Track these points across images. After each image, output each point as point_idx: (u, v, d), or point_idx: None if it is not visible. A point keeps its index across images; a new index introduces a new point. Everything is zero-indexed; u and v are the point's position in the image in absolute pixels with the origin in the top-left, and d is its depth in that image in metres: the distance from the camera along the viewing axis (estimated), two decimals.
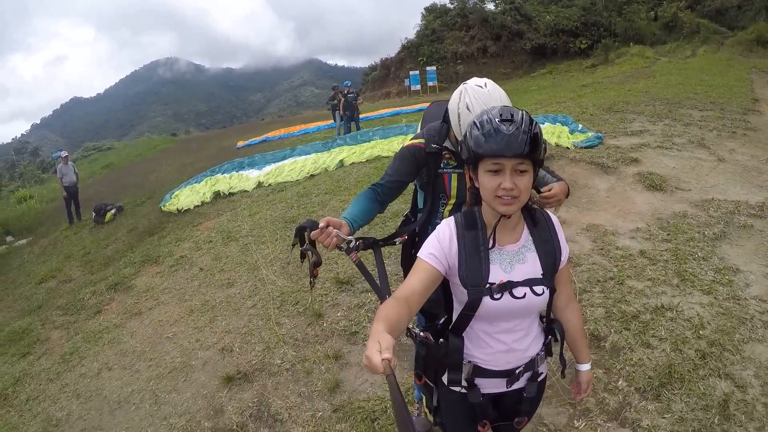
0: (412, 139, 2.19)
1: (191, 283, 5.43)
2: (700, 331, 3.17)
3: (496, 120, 1.32)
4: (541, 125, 8.84)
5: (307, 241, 1.92)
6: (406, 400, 2.91)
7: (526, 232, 1.49)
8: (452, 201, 2.10)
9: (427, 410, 2.37)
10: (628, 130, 8.23)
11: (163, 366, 4.01)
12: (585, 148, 7.40)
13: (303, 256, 1.97)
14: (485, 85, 1.81)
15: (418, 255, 1.46)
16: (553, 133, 8.22)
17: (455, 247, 1.43)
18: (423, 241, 1.70)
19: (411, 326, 1.64)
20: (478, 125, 1.35)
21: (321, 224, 1.81)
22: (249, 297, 4.73)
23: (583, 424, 2.62)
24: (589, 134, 8.05)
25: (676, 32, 25.77)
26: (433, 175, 2.09)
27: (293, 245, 2.00)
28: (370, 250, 2.02)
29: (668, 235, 4.56)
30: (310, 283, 2.00)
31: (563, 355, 1.69)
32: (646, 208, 5.27)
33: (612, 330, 3.27)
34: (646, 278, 3.84)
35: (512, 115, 1.33)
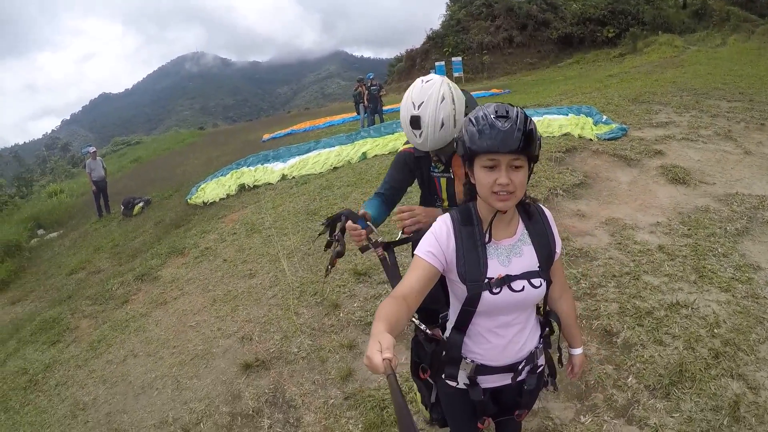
0: (405, 143, 2.22)
1: (215, 274, 5.60)
2: (715, 330, 3.13)
3: (491, 116, 1.34)
4: (565, 116, 8.80)
5: (338, 230, 1.97)
6: (409, 397, 2.97)
7: (521, 225, 1.52)
8: (445, 204, 2.14)
9: (423, 406, 2.45)
10: (653, 122, 8.04)
11: (185, 353, 4.18)
12: (608, 140, 7.27)
13: (329, 245, 2.02)
14: (428, 80, 1.88)
15: (415, 253, 1.48)
16: (576, 124, 8.10)
17: (453, 244, 1.45)
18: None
19: (418, 323, 1.72)
20: (474, 121, 1.37)
21: (361, 211, 1.90)
22: (270, 287, 4.87)
23: (590, 419, 2.64)
24: (614, 126, 7.89)
25: (705, 20, 24.77)
26: (426, 178, 2.14)
27: (321, 233, 2.06)
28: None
29: (689, 230, 4.49)
30: (327, 270, 2.08)
31: (560, 345, 1.75)
32: (667, 202, 5.19)
33: (625, 326, 3.26)
34: (663, 274, 3.80)
35: (507, 112, 1.35)
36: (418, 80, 1.93)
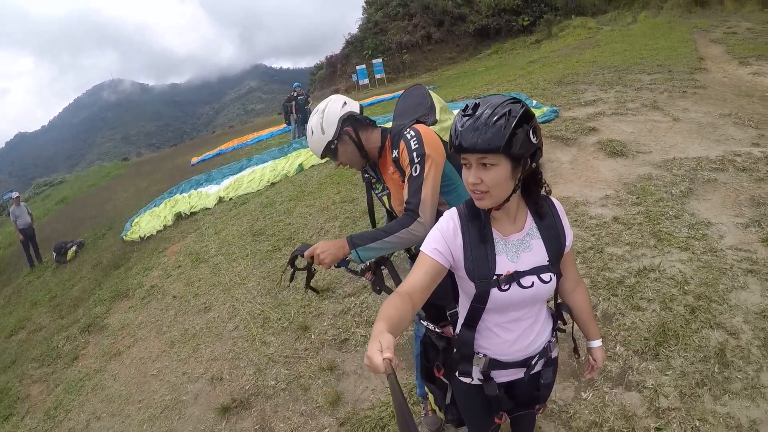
0: None
1: (167, 314, 5.22)
2: (685, 287, 3.24)
3: (461, 115, 1.29)
4: None
5: (304, 263, 1.94)
6: (413, 400, 2.86)
7: (529, 219, 1.46)
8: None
9: (437, 407, 2.38)
10: (581, 101, 8.37)
11: (153, 406, 3.83)
12: (542, 123, 7.48)
13: (292, 278, 2.02)
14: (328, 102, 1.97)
15: (421, 249, 1.42)
16: None
17: (460, 240, 1.40)
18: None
19: (426, 324, 1.71)
20: (455, 120, 1.32)
21: (312, 247, 1.84)
22: (229, 319, 4.58)
23: (591, 394, 2.64)
24: (545, 109, 8.15)
25: (615, 0, 26.36)
26: (376, 200, 2.12)
27: (284, 271, 1.99)
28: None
29: (637, 198, 4.66)
30: (292, 276, 2.05)
31: (574, 335, 1.70)
32: (611, 175, 5.37)
33: (600, 298, 3.30)
34: (624, 243, 3.90)
35: (474, 108, 1.28)
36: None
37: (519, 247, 1.43)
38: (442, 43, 30.20)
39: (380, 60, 28.26)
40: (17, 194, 11.27)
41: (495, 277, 1.39)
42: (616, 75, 9.83)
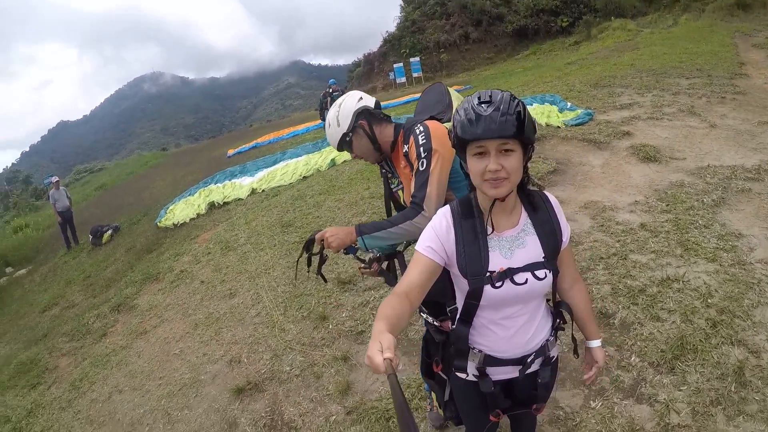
0: None
1: (194, 297, 5.39)
2: (709, 300, 3.14)
3: (475, 102, 1.30)
4: (530, 106, 8.88)
5: (316, 248, 2.00)
6: (421, 395, 2.88)
7: (524, 215, 1.46)
8: None
9: (437, 404, 2.42)
10: (617, 104, 8.19)
11: (173, 383, 3.97)
12: (576, 125, 7.36)
13: (309, 263, 2.05)
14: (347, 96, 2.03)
15: (415, 248, 1.44)
16: (542, 113, 8.18)
17: (453, 237, 1.42)
18: None
19: (426, 316, 1.73)
20: (461, 112, 1.32)
21: (322, 231, 1.91)
22: (252, 306, 4.69)
23: (600, 404, 2.59)
24: (579, 111, 8.01)
25: (656, 2, 25.57)
26: (389, 194, 2.16)
27: (300, 257, 2.04)
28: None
29: (667, 205, 4.54)
30: (308, 263, 2.06)
31: (574, 335, 1.67)
32: (642, 181, 5.25)
33: (620, 306, 3.24)
34: (650, 251, 3.81)
35: (491, 97, 1.30)
36: None
37: (513, 244, 1.42)
38: (479, 42, 29.92)
39: (418, 59, 28.22)
40: (57, 179, 11.80)
41: (488, 274, 1.39)
42: (653, 78, 9.57)
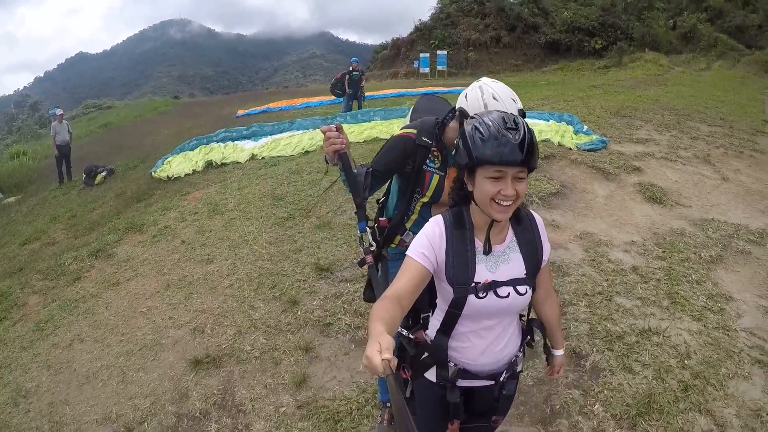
0: (403, 128, 2.18)
1: (171, 256, 5.29)
2: (686, 361, 3.06)
3: (502, 128, 1.33)
4: (546, 122, 8.73)
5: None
6: (374, 403, 2.81)
7: (510, 232, 1.53)
8: (425, 199, 2.13)
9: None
10: (633, 137, 8.05)
11: (133, 342, 3.89)
12: (588, 150, 7.23)
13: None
14: (495, 81, 1.87)
15: (407, 254, 1.47)
16: (557, 131, 8.04)
17: (444, 246, 1.45)
18: (392, 227, 2.16)
19: (399, 330, 1.68)
20: (481, 130, 1.34)
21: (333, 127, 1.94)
22: (227, 276, 4.60)
23: None
24: (594, 137, 7.86)
25: (693, 44, 25.28)
26: (416, 169, 2.09)
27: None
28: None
29: (663, 252, 4.44)
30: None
31: (547, 345, 1.80)
32: (643, 221, 5.14)
33: (594, 349, 3.16)
34: (636, 297, 3.72)
35: (516, 123, 1.34)
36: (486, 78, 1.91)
37: (498, 259, 1.48)
38: (510, 48, 29.58)
39: (445, 52, 27.88)
40: (61, 112, 11.70)
41: (473, 284, 1.43)
42: (675, 118, 9.41)
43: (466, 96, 1.88)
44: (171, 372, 3.43)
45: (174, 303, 4.32)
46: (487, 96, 1.79)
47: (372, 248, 2.08)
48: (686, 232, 4.85)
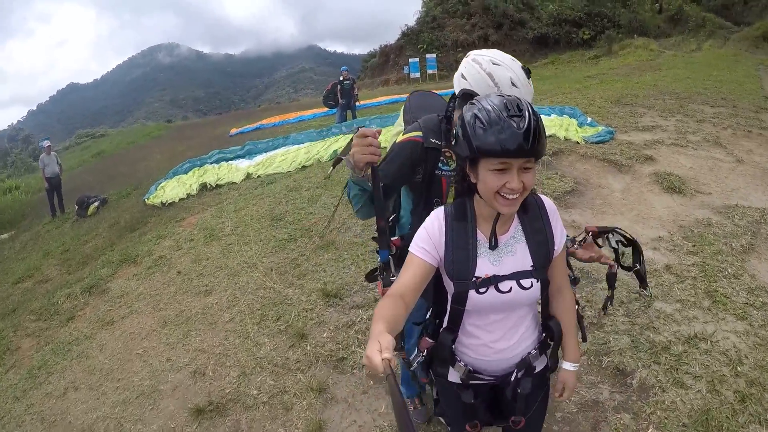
0: (405, 132, 1.86)
1: (167, 289, 4.98)
2: (738, 368, 2.75)
3: (504, 115, 1.19)
4: (548, 116, 8.44)
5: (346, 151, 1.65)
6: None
7: (516, 221, 1.41)
8: None
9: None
10: (639, 125, 7.77)
11: (130, 389, 3.57)
12: (596, 143, 6.94)
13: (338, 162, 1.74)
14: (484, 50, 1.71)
15: (409, 249, 1.40)
16: (560, 125, 7.76)
17: (444, 239, 1.38)
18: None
19: (397, 353, 1.59)
20: (482, 119, 1.21)
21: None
22: (227, 308, 4.29)
23: None
24: (600, 128, 7.58)
25: (681, 26, 25.15)
26: (429, 176, 1.79)
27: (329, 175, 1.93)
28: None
29: (694, 246, 4.13)
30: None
31: (557, 353, 1.56)
32: (666, 213, 4.84)
33: (640, 364, 2.84)
34: (675, 299, 3.40)
35: (520, 109, 1.20)
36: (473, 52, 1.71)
37: (502, 251, 1.38)
38: (498, 46, 29.16)
39: (434, 55, 27.72)
40: (49, 143, 11.43)
41: (474, 279, 1.35)
42: (677, 102, 9.14)
43: (462, 75, 1.64)
44: (171, 423, 3.11)
45: (171, 342, 4.01)
46: (486, 65, 1.60)
47: (393, 278, 1.74)
48: (713, 222, 4.55)
